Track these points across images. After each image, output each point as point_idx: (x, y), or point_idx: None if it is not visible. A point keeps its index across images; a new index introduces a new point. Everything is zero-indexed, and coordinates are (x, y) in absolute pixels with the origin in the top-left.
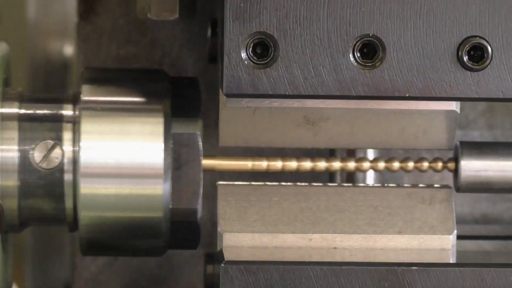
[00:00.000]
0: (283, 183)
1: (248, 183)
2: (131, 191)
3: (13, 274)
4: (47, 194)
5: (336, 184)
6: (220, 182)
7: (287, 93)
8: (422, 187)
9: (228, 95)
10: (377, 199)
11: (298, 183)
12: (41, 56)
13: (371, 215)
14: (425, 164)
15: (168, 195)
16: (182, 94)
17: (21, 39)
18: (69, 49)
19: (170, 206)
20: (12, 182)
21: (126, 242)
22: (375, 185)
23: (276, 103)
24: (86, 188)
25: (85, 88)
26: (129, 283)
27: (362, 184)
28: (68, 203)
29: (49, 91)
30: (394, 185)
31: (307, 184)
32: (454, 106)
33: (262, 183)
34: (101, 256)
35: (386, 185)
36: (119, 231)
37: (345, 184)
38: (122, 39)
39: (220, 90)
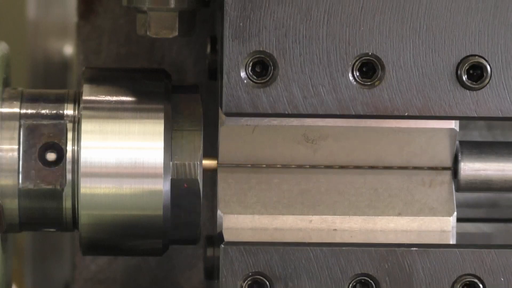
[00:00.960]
0: (284, 166)
1: (248, 165)
2: (131, 190)
3: (13, 274)
4: (47, 194)
5: (336, 167)
6: (221, 164)
7: (287, 112)
8: (422, 169)
9: (227, 114)
10: (377, 181)
11: (299, 166)
12: (41, 56)
13: (371, 197)
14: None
15: (168, 195)
16: (183, 94)
17: (21, 39)
18: (69, 49)
19: (170, 206)
20: (12, 182)
21: (126, 241)
22: (375, 167)
23: (276, 121)
24: (86, 187)
25: (86, 87)
26: (128, 283)
27: (362, 166)
28: (68, 203)
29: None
30: (394, 167)
31: (307, 166)
32: (453, 124)
33: (262, 165)
34: (101, 255)
35: (386, 167)
36: (119, 230)
37: (345, 167)
38: (122, 39)
39: (220, 108)
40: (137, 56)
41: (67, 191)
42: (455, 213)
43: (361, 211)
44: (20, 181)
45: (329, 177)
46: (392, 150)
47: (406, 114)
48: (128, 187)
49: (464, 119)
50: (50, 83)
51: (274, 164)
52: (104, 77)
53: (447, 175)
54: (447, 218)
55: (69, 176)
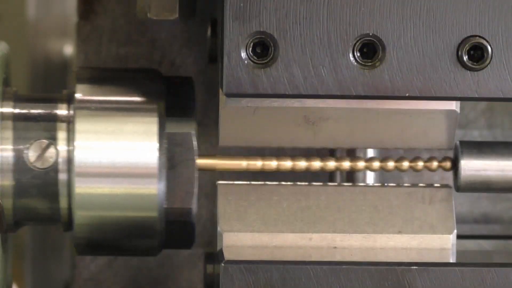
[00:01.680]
0: (283, 183)
1: (248, 182)
2: (125, 190)
3: (13, 274)
4: (42, 194)
5: (336, 184)
6: (220, 182)
7: (287, 93)
8: (422, 186)
9: (228, 95)
10: (377, 198)
11: (298, 183)
12: (41, 56)
13: (371, 214)
14: (420, 164)
15: (163, 195)
16: (176, 94)
17: (21, 39)
18: (69, 49)
19: (165, 206)
20: (6, 181)
21: (120, 241)
22: (375, 184)
23: (276, 102)
24: (81, 187)
25: (79, 87)
26: (128, 283)
27: (362, 184)
28: (63, 203)
29: (49, 91)
30: (394, 184)
31: (307, 183)
32: (454, 105)
33: (262, 182)
34: (96, 255)
35: (386, 184)
36: (114, 230)
37: (345, 184)
38: (122, 39)
39: (220, 89)
40: (137, 56)
41: (62, 191)
42: (455, 230)
43: (361, 228)
44: (15, 181)
45: (329, 194)
46: (393, 131)
47: (406, 94)
48: (122, 187)
49: (464, 100)
50: (50, 83)
51: (275, 145)
52: (97, 77)
53: (447, 192)
54: (447, 236)
55: (63, 176)
